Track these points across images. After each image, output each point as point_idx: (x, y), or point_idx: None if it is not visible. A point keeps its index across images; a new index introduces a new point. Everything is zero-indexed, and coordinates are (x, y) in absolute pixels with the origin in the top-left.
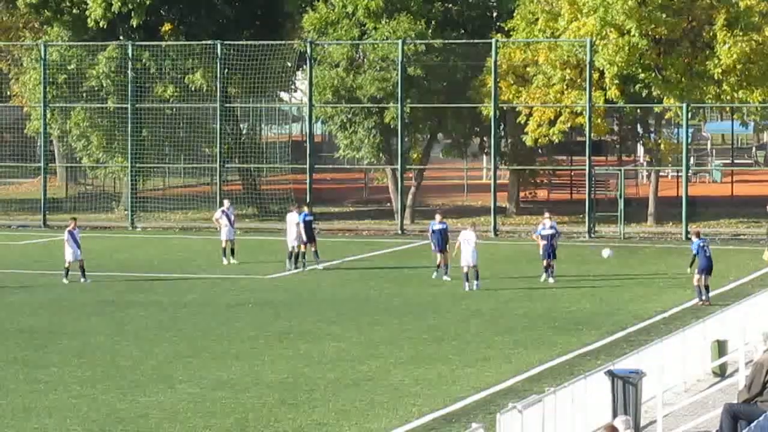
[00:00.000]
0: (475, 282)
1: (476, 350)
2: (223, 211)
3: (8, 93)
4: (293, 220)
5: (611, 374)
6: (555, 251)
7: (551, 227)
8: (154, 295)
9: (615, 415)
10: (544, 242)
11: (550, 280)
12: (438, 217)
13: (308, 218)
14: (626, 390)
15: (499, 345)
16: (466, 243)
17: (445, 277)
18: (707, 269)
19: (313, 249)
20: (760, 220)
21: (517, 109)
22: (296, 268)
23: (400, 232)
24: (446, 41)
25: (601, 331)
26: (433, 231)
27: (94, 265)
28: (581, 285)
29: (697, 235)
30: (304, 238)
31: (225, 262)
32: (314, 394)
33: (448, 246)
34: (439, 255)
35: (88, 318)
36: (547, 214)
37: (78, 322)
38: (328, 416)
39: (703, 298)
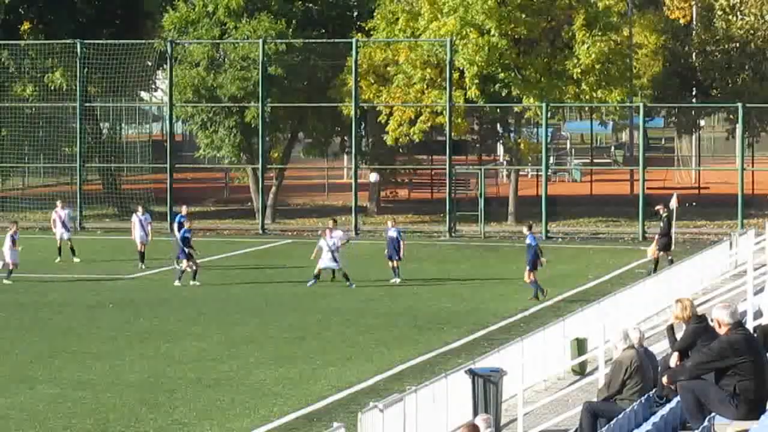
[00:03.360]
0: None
1: (338, 349)
2: (56, 212)
3: None
4: (136, 220)
5: (472, 373)
6: (400, 252)
7: (396, 230)
8: (14, 295)
9: (476, 413)
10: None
11: (397, 280)
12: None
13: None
14: (487, 388)
15: (360, 344)
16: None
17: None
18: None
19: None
20: (620, 219)
21: (377, 109)
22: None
23: (261, 231)
24: (307, 40)
25: (461, 330)
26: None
27: None
28: (442, 284)
29: (530, 228)
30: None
31: (57, 260)
32: (175, 394)
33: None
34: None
35: None
36: (390, 222)
37: None
38: (189, 416)
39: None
